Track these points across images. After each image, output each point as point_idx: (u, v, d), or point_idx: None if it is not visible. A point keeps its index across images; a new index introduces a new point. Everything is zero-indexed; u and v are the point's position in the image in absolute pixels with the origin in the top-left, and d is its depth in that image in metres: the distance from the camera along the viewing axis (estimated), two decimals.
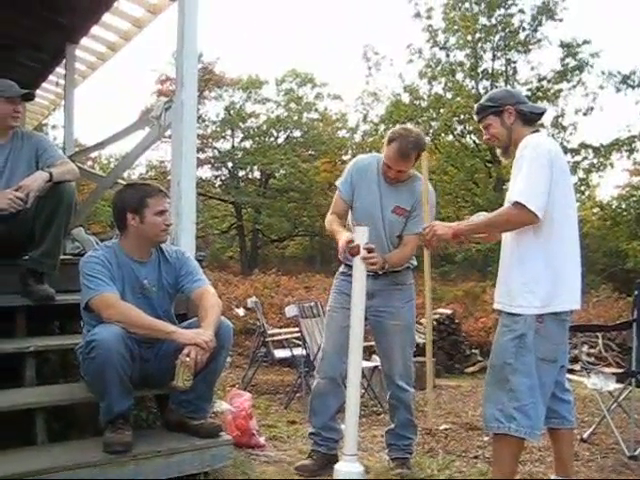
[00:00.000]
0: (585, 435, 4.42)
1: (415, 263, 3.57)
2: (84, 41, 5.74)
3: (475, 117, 3.10)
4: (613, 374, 4.64)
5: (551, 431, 3.00)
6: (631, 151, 20.11)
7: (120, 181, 4.75)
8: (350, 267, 3.38)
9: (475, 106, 3.10)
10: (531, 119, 2.93)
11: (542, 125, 19.36)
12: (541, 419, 2.73)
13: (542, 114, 3.02)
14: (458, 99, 19.91)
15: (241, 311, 8.41)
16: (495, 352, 2.81)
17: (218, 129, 26.50)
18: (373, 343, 3.73)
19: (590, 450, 4.15)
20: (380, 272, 3.31)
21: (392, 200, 3.40)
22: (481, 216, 3.02)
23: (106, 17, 5.24)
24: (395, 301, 3.42)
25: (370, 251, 3.10)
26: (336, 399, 3.44)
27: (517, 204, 2.65)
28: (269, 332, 6.80)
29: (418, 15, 20.45)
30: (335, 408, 3.46)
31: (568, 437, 2.97)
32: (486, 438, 3.35)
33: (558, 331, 2.72)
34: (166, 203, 3.05)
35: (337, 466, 3.08)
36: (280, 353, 6.44)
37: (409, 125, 3.56)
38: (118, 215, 3.02)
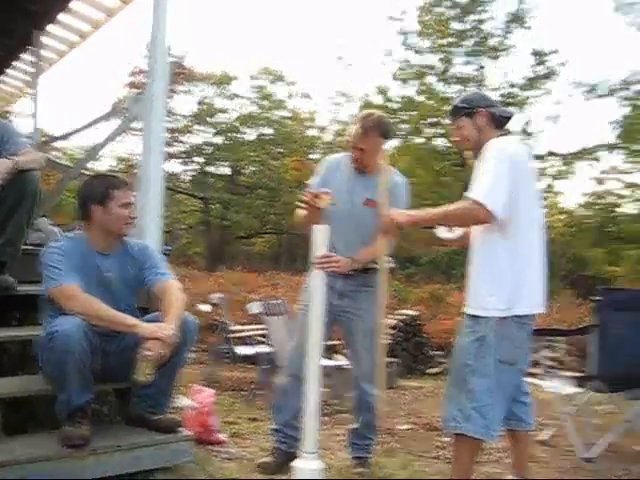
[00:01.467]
0: (543, 437, 4.48)
1: (390, 265, 3.56)
2: (52, 28, 5.66)
3: (448, 117, 3.13)
4: (572, 378, 4.71)
5: (509, 432, 3.04)
6: (596, 160, 20.45)
7: (86, 172, 4.69)
8: None
9: (449, 107, 3.13)
10: (501, 122, 2.98)
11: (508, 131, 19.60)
12: (499, 421, 2.76)
13: (510, 118, 3.06)
14: (429, 102, 20.04)
15: (206, 307, 8.35)
16: (456, 353, 2.85)
17: (189, 123, 26.30)
18: (337, 342, 3.75)
19: (548, 452, 4.22)
20: (350, 272, 3.30)
21: (362, 193, 3.39)
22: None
23: (74, 4, 5.17)
24: (364, 303, 3.40)
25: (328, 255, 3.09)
26: (300, 398, 3.41)
27: (475, 202, 2.69)
28: (233, 329, 6.77)
29: (392, 17, 20.57)
30: (299, 406, 3.44)
31: (526, 439, 3.02)
32: (446, 439, 3.38)
33: (519, 334, 2.75)
34: (132, 196, 3.03)
35: (297, 463, 3.08)
36: (243, 350, 6.42)
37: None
38: (82, 206, 2.98)
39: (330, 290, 3.30)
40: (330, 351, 5.95)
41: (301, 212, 3.34)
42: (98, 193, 2.95)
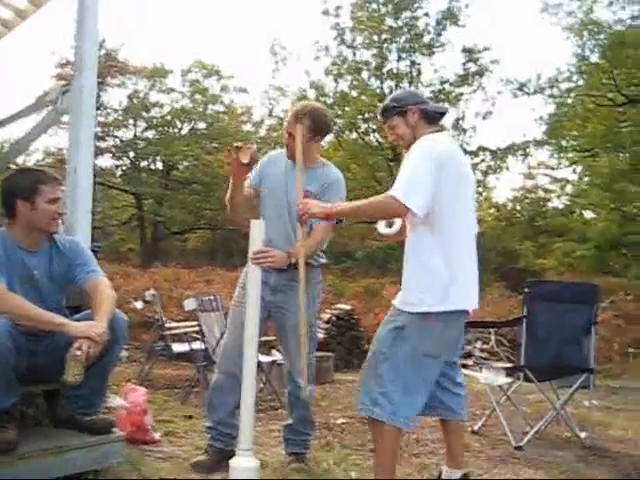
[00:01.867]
0: (476, 427, 4.58)
1: (322, 260, 3.56)
2: None
3: (380, 118, 3.15)
4: (503, 369, 4.82)
5: (442, 423, 3.10)
6: (525, 155, 21.02)
7: (13, 167, 4.54)
8: None
9: (380, 107, 3.15)
10: (434, 118, 3.00)
11: (442, 127, 19.93)
12: (414, 410, 2.80)
13: (444, 113, 3.11)
14: (363, 97, 20.18)
15: (139, 304, 8.22)
16: (374, 341, 2.93)
17: (120, 117, 25.75)
18: (273, 338, 3.73)
19: (480, 442, 4.31)
20: (285, 267, 3.29)
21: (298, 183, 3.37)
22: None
23: None
24: (296, 299, 3.37)
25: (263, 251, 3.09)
26: (235, 395, 3.39)
27: (394, 198, 2.72)
28: (167, 326, 6.67)
29: (327, 12, 20.58)
30: (233, 404, 3.42)
31: (458, 429, 3.07)
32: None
33: (446, 330, 2.79)
34: (60, 191, 2.93)
35: (232, 461, 3.05)
36: (178, 347, 6.33)
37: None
38: (7, 201, 2.87)
39: (264, 285, 3.28)
40: (266, 347, 5.93)
41: (228, 169, 3.40)
42: (24, 188, 2.84)
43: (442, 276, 2.75)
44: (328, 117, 3.52)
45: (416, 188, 2.71)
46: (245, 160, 3.26)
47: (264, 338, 3.30)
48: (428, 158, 2.76)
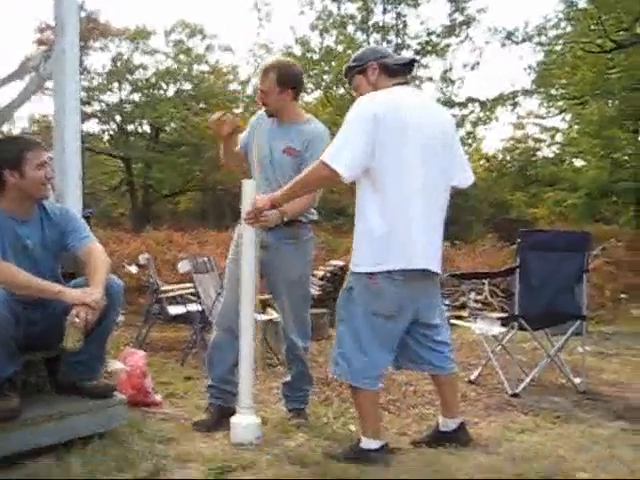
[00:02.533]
0: (472, 377, 4.65)
1: (313, 217, 3.55)
2: None
3: (347, 81, 3.12)
4: (498, 318, 4.88)
5: (433, 377, 3.15)
6: (514, 105, 20.88)
7: None
8: None
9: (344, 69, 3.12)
10: (396, 71, 2.95)
11: (416, 78, 19.78)
12: (370, 369, 2.84)
13: (409, 64, 3.03)
14: (349, 52, 19.94)
15: (133, 268, 8.21)
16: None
17: (105, 81, 25.38)
18: (269, 296, 3.75)
19: (476, 391, 4.37)
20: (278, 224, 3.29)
21: (282, 141, 3.40)
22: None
23: None
24: (289, 256, 3.39)
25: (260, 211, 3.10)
26: (233, 351, 3.41)
27: (323, 162, 2.72)
28: (162, 289, 6.69)
29: None
30: (232, 360, 3.44)
31: (448, 381, 3.11)
32: (380, 385, 3.46)
33: (391, 289, 2.77)
34: (46, 155, 2.91)
35: (233, 419, 3.11)
36: (174, 309, 6.36)
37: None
38: None
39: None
40: (262, 305, 5.97)
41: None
42: (10, 157, 2.82)
43: (384, 235, 2.73)
44: (296, 69, 3.52)
45: (343, 151, 2.70)
46: (227, 130, 3.42)
47: (261, 296, 3.31)
48: (361, 117, 2.73)
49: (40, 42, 21.49)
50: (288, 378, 3.60)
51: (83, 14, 21.18)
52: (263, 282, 3.55)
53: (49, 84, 3.86)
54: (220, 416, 3.38)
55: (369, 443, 2.85)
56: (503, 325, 4.64)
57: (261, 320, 4.47)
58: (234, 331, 3.35)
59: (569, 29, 18.45)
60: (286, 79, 3.39)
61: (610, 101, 17.56)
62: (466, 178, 3.07)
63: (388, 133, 2.71)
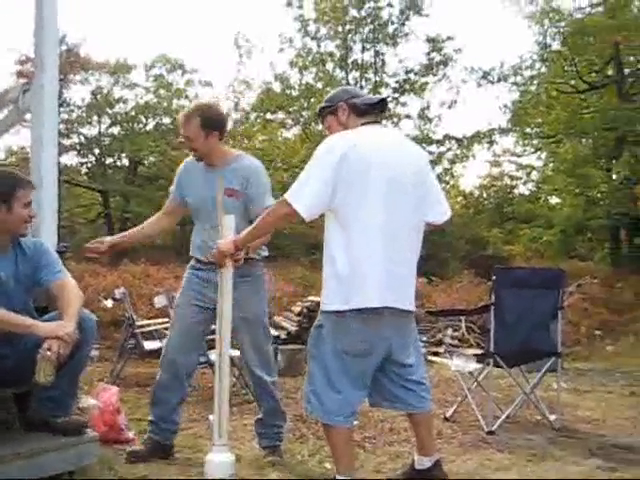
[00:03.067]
0: (448, 414, 4.64)
1: (264, 253, 3.56)
2: None
3: (320, 122, 3.16)
4: (473, 355, 4.88)
5: (408, 415, 3.13)
6: (491, 143, 21.21)
7: None
8: (200, 261, 3.48)
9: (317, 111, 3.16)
10: (365, 111, 2.97)
11: (394, 116, 20.02)
12: (345, 406, 2.81)
13: (379, 103, 3.05)
14: (328, 89, 20.17)
15: (109, 302, 8.14)
16: None
17: (84, 114, 25.37)
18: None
19: (452, 428, 4.36)
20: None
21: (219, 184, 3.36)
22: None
23: None
24: (243, 293, 3.34)
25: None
26: (178, 394, 3.49)
27: (285, 200, 2.75)
28: (138, 323, 6.63)
29: (290, 4, 20.48)
30: (176, 401, 3.50)
31: (423, 420, 3.07)
32: (355, 422, 3.44)
33: (359, 327, 2.76)
34: (32, 195, 2.91)
35: (208, 457, 3.07)
36: (150, 344, 6.30)
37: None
38: None
39: (209, 284, 3.38)
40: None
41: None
42: (2, 192, 2.81)
43: (350, 273, 2.73)
44: (218, 110, 3.56)
45: (303, 191, 2.72)
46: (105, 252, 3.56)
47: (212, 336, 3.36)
48: (324, 156, 2.76)
49: (19, 74, 21.47)
50: (260, 415, 3.58)
51: (64, 47, 21.24)
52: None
53: (27, 116, 3.86)
54: (155, 450, 3.42)
55: None
56: (479, 362, 4.65)
57: (236, 356, 4.44)
58: (179, 374, 3.43)
59: (543, 70, 18.90)
60: (210, 122, 3.39)
61: (584, 140, 17.89)
62: (441, 213, 3.08)
63: (351, 172, 2.72)
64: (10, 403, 3.08)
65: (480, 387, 4.79)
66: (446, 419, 4.57)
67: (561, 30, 17.41)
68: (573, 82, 17.50)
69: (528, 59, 18.90)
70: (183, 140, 3.46)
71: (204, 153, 3.43)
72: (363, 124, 2.93)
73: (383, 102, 3.10)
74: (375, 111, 3.03)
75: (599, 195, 17.28)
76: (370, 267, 2.74)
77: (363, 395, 2.94)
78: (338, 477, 2.83)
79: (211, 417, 3.37)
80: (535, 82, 19.18)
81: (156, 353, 6.44)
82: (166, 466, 3.28)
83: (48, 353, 2.59)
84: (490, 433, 4.16)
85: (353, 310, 2.74)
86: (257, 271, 3.51)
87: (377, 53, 20.88)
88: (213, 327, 3.44)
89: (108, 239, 3.60)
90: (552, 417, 4.46)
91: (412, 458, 3.17)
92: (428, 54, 20.58)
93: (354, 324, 2.76)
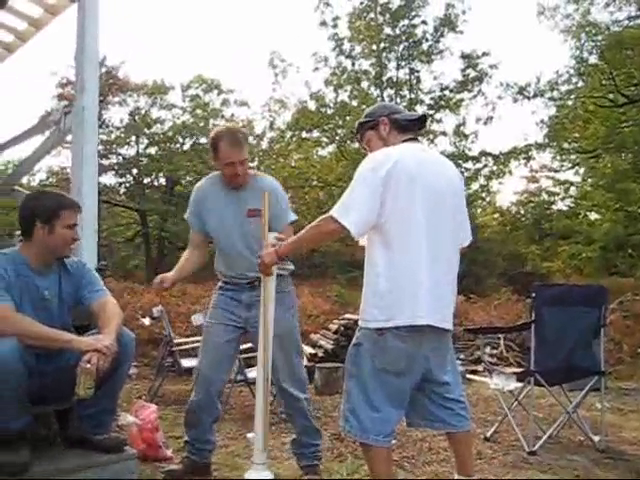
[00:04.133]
0: (488, 434, 4.56)
1: (291, 267, 3.57)
2: None
3: (357, 138, 3.15)
4: (513, 374, 4.80)
5: (448, 434, 3.08)
6: (528, 159, 21.01)
7: (19, 188, 4.57)
8: (227, 282, 3.52)
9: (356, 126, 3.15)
10: (406, 127, 2.97)
11: (430, 133, 19.97)
12: (381, 425, 2.78)
13: (419, 120, 3.05)
14: (363, 107, 20.23)
15: (147, 320, 8.20)
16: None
17: (122, 135, 25.82)
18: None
19: (492, 448, 4.28)
20: (255, 282, 3.31)
21: (242, 206, 3.38)
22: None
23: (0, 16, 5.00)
24: (275, 310, 3.33)
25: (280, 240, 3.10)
26: (211, 413, 3.48)
27: (332, 218, 2.72)
28: (176, 341, 6.67)
29: (324, 24, 20.65)
30: (210, 422, 3.50)
31: (462, 439, 3.03)
32: (393, 441, 3.41)
33: (399, 345, 2.73)
34: (77, 218, 2.95)
35: (247, 475, 3.07)
36: (187, 362, 6.33)
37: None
38: (25, 222, 2.89)
39: (237, 303, 3.41)
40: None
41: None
42: (45, 211, 2.86)
43: (391, 291, 2.71)
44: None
45: (353, 206, 2.70)
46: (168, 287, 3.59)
47: (253, 354, 3.37)
48: (371, 173, 2.73)
49: (60, 97, 21.99)
50: (294, 435, 3.56)
51: (103, 69, 21.69)
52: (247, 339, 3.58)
53: (68, 137, 3.94)
54: (192, 469, 3.43)
55: None
56: (519, 380, 4.56)
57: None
58: (211, 396, 3.43)
59: (580, 84, 18.68)
60: (246, 141, 3.43)
61: (623, 154, 17.62)
62: (464, 238, 3.06)
63: (397, 188, 2.70)
64: (51, 420, 3.12)
65: (521, 406, 4.70)
66: (486, 439, 4.49)
67: (598, 43, 17.24)
68: (611, 96, 17.29)
69: (565, 74, 18.75)
70: (230, 164, 3.34)
71: (245, 170, 3.40)
72: (404, 141, 2.93)
73: (423, 118, 3.10)
74: (415, 128, 3.03)
75: (639, 210, 16.98)
76: (413, 285, 2.72)
77: (401, 414, 2.91)
78: None
79: (249, 435, 3.38)
80: (572, 97, 19.00)
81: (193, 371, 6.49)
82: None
83: (88, 366, 2.62)
84: (531, 453, 4.08)
85: (393, 328, 2.72)
86: (286, 287, 3.51)
87: (412, 70, 20.91)
88: (243, 346, 3.44)
89: (169, 276, 3.62)
90: (596, 438, 4.35)
91: (452, 478, 3.13)
92: (463, 70, 20.53)
93: (394, 342, 2.73)
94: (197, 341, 6.71)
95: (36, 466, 2.69)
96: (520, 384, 4.57)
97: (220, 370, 3.46)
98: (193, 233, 3.65)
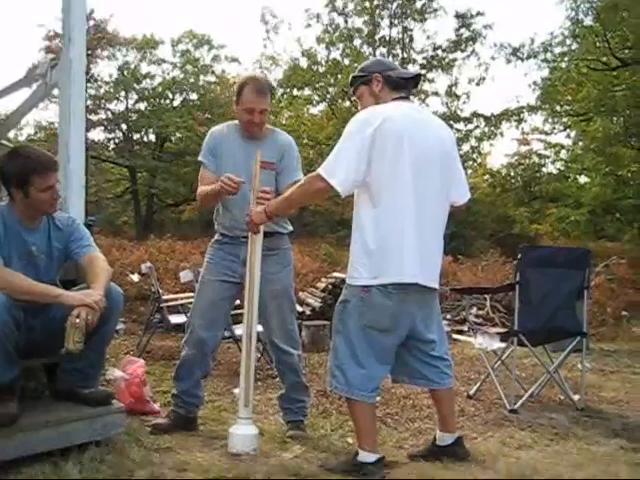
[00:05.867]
0: (471, 392, 4.63)
1: (290, 228, 3.59)
2: None
3: (350, 91, 3.14)
4: (497, 334, 4.86)
5: (431, 391, 3.15)
6: (519, 121, 20.95)
7: (5, 142, 4.51)
8: (225, 235, 3.48)
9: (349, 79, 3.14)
10: (399, 85, 2.97)
11: (422, 93, 19.83)
12: (368, 380, 2.84)
13: (413, 79, 3.04)
14: (355, 65, 20.03)
15: (135, 277, 8.24)
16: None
17: (111, 90, 25.51)
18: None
19: (475, 406, 4.36)
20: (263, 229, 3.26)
21: (256, 157, 3.33)
22: None
23: None
24: (271, 266, 3.39)
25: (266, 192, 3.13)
26: (201, 368, 3.52)
27: (319, 175, 2.75)
28: (164, 297, 6.70)
29: None
30: (199, 375, 3.54)
31: (443, 396, 3.10)
32: (378, 398, 3.46)
33: (384, 302, 2.77)
34: (54, 178, 2.90)
35: (232, 429, 3.12)
36: (175, 319, 6.37)
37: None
38: (3, 183, 2.88)
39: (235, 259, 3.39)
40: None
41: (207, 189, 3.40)
42: (17, 177, 2.82)
43: (378, 249, 2.75)
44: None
45: (340, 164, 2.72)
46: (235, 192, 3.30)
47: (238, 311, 3.38)
48: (359, 132, 2.74)
49: (48, 50, 21.63)
50: (283, 390, 3.61)
51: (91, 23, 21.32)
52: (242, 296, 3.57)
53: (56, 92, 3.89)
54: (178, 423, 3.45)
55: (365, 456, 2.85)
56: (503, 340, 4.62)
57: (260, 331, 4.48)
58: (205, 350, 3.45)
59: (574, 46, 18.53)
60: (272, 94, 3.43)
61: (615, 118, 17.59)
62: (462, 195, 3.07)
63: (384, 146, 2.72)
64: (40, 373, 3.15)
65: (504, 366, 4.78)
66: (469, 397, 4.57)
67: (594, 4, 17.05)
68: (605, 59, 17.16)
69: (559, 35, 18.60)
70: (250, 110, 3.31)
71: (264, 120, 3.39)
72: (395, 99, 2.92)
73: (417, 77, 3.10)
74: (409, 86, 3.02)
75: (629, 174, 17.02)
76: (400, 243, 2.75)
77: (387, 370, 2.96)
78: (360, 451, 2.86)
79: (235, 391, 3.42)
80: (566, 59, 18.87)
81: (181, 327, 6.51)
82: (190, 438, 3.32)
83: (77, 320, 2.63)
84: (513, 412, 4.15)
85: (379, 285, 2.75)
86: (284, 245, 3.54)
87: (405, 29, 20.69)
88: (237, 302, 3.46)
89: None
90: (576, 397, 4.44)
91: (434, 435, 3.19)
92: (457, 30, 20.36)
93: (380, 299, 2.77)
94: (185, 297, 6.77)
95: (25, 418, 2.72)
96: (504, 344, 4.63)
97: (214, 328, 3.47)
98: (207, 172, 3.50)
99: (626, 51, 16.82)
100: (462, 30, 20.33)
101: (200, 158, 3.55)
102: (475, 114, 20.66)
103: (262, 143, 3.40)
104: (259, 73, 3.46)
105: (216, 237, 3.57)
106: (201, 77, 26.62)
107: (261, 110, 3.33)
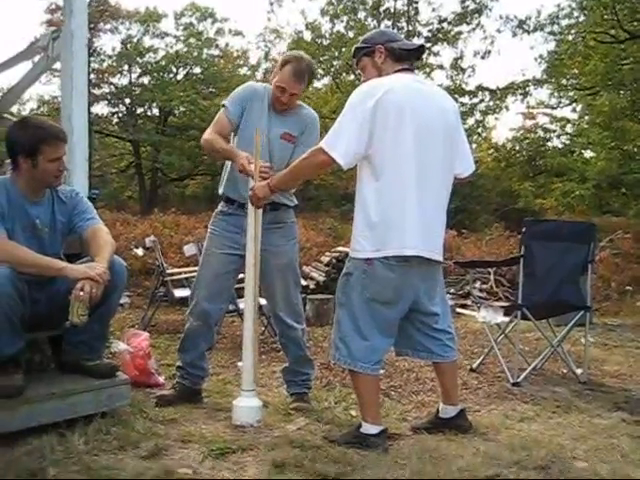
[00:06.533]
0: (474, 365, 4.65)
1: (295, 201, 3.59)
2: None
3: (353, 63, 3.11)
4: (501, 307, 4.87)
5: (434, 364, 3.17)
6: (525, 95, 20.78)
7: (7, 116, 4.50)
8: (231, 204, 3.44)
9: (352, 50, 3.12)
10: (402, 56, 2.94)
11: (426, 66, 19.68)
12: (371, 352, 2.86)
13: (416, 50, 3.02)
14: (360, 38, 19.82)
15: (140, 251, 8.24)
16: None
17: (114, 64, 25.38)
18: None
19: (478, 379, 4.38)
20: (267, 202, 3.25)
21: (280, 128, 3.38)
22: None
23: None
24: (276, 239, 3.40)
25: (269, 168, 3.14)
26: (206, 340, 3.53)
27: (321, 149, 2.75)
28: (168, 271, 6.72)
29: None
30: (204, 348, 3.55)
31: (446, 369, 3.11)
32: (382, 371, 3.48)
33: (387, 275, 2.78)
34: (63, 149, 2.90)
35: (236, 402, 3.14)
36: (180, 292, 6.39)
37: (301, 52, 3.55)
38: (10, 154, 2.87)
39: (240, 231, 3.35)
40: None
41: (223, 146, 3.34)
42: (26, 146, 2.81)
43: (381, 222, 2.75)
44: (313, 62, 3.49)
45: (342, 137, 2.72)
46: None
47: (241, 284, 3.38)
48: (360, 104, 2.73)
49: (49, 23, 21.47)
50: (287, 363, 3.63)
51: None
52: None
53: (58, 65, 3.87)
54: (184, 395, 3.48)
55: (369, 428, 2.87)
56: (506, 314, 4.63)
57: (264, 305, 4.49)
58: (209, 322, 3.46)
59: (582, 19, 18.29)
60: (311, 79, 3.42)
61: (622, 92, 17.40)
62: (466, 168, 3.06)
63: (386, 118, 2.70)
64: (44, 346, 3.17)
65: (507, 339, 4.79)
66: (472, 370, 4.59)
67: None
68: (613, 31, 16.93)
69: (566, 7, 18.35)
70: (281, 89, 3.30)
71: (293, 102, 3.40)
72: (398, 70, 2.90)
73: (421, 49, 3.07)
74: (412, 58, 2.99)
75: (635, 149, 16.90)
76: (402, 215, 2.75)
77: (390, 343, 2.97)
78: (363, 423, 2.88)
79: (240, 363, 3.44)
80: (572, 31, 18.62)
81: (186, 301, 6.53)
82: (195, 410, 3.35)
83: (81, 293, 2.64)
84: (515, 385, 4.17)
85: (382, 258, 2.75)
86: (289, 218, 3.54)
87: (410, 1, 20.46)
88: (241, 275, 3.46)
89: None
90: (579, 371, 4.45)
91: (437, 407, 3.21)
92: (462, 2, 20.10)
93: (383, 272, 2.77)
94: (189, 271, 6.78)
95: (30, 390, 2.75)
96: (507, 318, 4.64)
97: (219, 301, 3.48)
98: (225, 118, 3.39)
99: (635, 23, 16.59)
100: (468, 2, 20.10)
101: (225, 102, 3.45)
102: (480, 87, 20.51)
103: (287, 116, 3.41)
104: (306, 56, 3.38)
105: (220, 207, 3.54)
106: (204, 50, 26.44)
107: (291, 93, 3.33)
